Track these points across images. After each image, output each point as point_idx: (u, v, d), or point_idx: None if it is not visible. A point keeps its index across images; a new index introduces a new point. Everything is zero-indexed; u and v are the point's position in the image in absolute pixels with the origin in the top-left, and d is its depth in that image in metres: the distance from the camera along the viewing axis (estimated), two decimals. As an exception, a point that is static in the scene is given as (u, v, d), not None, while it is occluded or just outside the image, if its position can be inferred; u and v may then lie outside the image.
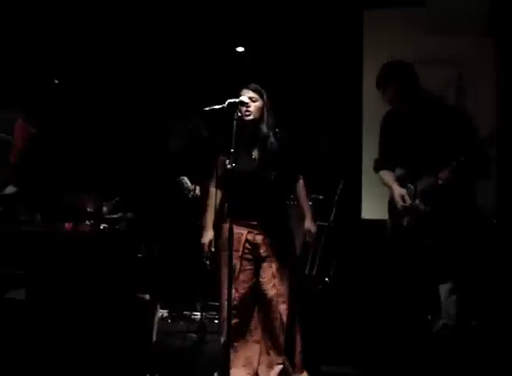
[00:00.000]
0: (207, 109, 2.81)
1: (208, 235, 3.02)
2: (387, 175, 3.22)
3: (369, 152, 5.09)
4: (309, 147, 4.79)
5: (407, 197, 3.02)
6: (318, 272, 4.23)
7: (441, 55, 4.96)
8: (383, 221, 4.93)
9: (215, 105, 2.78)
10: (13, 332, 2.97)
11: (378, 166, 3.32)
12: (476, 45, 4.80)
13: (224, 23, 5.16)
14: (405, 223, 3.05)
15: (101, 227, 3.53)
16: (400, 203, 3.05)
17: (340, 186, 4.43)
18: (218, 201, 3.00)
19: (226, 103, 2.74)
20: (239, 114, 2.76)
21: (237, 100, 2.75)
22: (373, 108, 5.13)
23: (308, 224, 3.06)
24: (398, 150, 3.14)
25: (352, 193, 4.85)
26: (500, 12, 4.64)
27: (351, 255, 4.68)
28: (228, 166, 2.68)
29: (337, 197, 4.41)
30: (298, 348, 2.91)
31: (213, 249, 2.99)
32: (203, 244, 3.02)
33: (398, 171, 3.18)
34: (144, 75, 5.52)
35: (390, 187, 3.17)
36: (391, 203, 3.17)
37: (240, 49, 5.52)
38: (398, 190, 3.08)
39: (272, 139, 2.95)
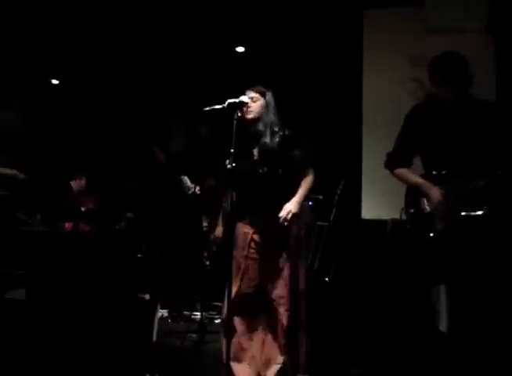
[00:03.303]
0: (207, 109, 2.81)
1: (220, 229, 3.22)
2: (408, 172, 2.92)
3: (369, 152, 5.11)
4: (309, 147, 4.79)
5: (446, 199, 2.71)
6: (318, 271, 4.23)
7: (441, 55, 4.97)
8: (383, 221, 4.95)
9: (215, 105, 2.78)
10: (13, 332, 2.97)
11: (393, 161, 3.00)
12: (476, 44, 4.80)
13: (224, 23, 5.16)
14: (439, 227, 2.73)
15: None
16: (440, 205, 2.73)
17: (340, 186, 4.42)
18: (229, 201, 3.01)
19: (226, 103, 2.75)
20: (239, 114, 2.76)
21: (237, 100, 2.75)
22: (373, 108, 5.14)
23: (289, 203, 2.87)
24: (425, 146, 2.86)
25: (352, 193, 4.85)
26: (500, 12, 4.64)
27: (351, 255, 4.67)
28: (228, 166, 2.69)
29: (337, 197, 4.40)
30: (302, 349, 2.92)
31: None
32: (215, 237, 3.22)
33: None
34: (144, 75, 5.52)
35: (417, 186, 2.84)
36: (416, 203, 2.84)
37: (240, 49, 5.52)
38: (436, 191, 2.75)
39: (267, 138, 2.93)
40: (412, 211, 2.86)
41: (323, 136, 5.13)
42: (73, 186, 5.18)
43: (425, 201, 2.81)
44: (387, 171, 4.92)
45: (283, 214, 2.81)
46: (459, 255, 2.68)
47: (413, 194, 2.88)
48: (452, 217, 2.71)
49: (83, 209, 4.75)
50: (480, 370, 2.68)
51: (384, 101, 5.09)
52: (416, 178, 2.87)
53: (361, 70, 5.13)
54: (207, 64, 5.32)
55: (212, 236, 3.19)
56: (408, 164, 2.95)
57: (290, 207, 2.82)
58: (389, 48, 5.10)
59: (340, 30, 5.08)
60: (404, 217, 2.91)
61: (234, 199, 2.85)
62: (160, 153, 4.79)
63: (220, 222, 3.30)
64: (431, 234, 2.75)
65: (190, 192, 4.66)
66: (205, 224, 4.70)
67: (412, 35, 5.00)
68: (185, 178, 4.74)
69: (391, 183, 4.98)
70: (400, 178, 2.97)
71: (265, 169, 2.90)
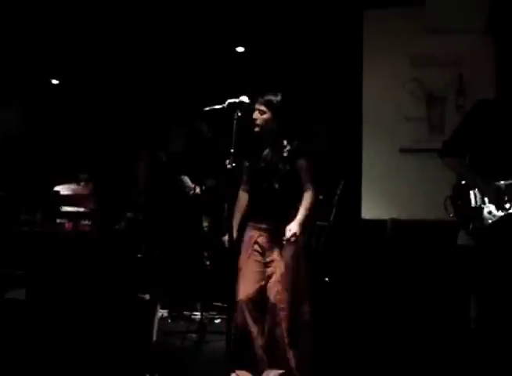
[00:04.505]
0: (207, 109, 2.82)
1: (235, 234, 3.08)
2: (461, 164, 2.94)
3: (369, 152, 5.11)
4: (309, 147, 4.79)
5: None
6: (318, 271, 4.23)
7: (441, 55, 4.97)
8: (383, 221, 4.96)
9: (215, 105, 2.79)
10: (13, 332, 2.97)
11: (448, 151, 2.99)
12: (476, 44, 4.80)
13: (224, 23, 5.16)
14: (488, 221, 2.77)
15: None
16: (494, 202, 2.75)
17: (340, 186, 4.43)
18: (242, 204, 3.12)
19: (226, 103, 2.76)
20: (239, 114, 2.77)
21: (237, 100, 2.75)
22: (373, 108, 5.14)
23: (291, 224, 2.91)
24: (481, 142, 2.86)
25: (352, 193, 4.86)
26: (500, 12, 4.64)
27: (351, 255, 4.68)
28: (228, 166, 2.70)
29: (337, 197, 4.41)
30: (306, 352, 2.92)
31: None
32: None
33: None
34: (144, 76, 5.52)
35: (471, 178, 2.85)
36: (464, 195, 2.86)
37: (240, 49, 5.52)
38: (492, 186, 2.77)
39: (269, 154, 2.98)
40: (459, 202, 2.88)
41: (323, 135, 5.14)
42: (78, 190, 5.12)
43: (474, 194, 2.83)
44: (387, 172, 4.94)
45: (287, 236, 2.85)
46: (504, 251, 2.71)
47: (462, 187, 2.90)
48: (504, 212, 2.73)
49: (82, 210, 4.72)
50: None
51: (384, 101, 5.09)
52: (471, 171, 2.89)
53: (361, 70, 5.13)
54: (207, 64, 5.32)
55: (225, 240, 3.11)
56: (462, 155, 2.96)
57: (294, 230, 2.86)
58: (389, 48, 5.10)
59: (340, 30, 5.07)
60: (449, 206, 2.92)
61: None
62: (161, 153, 4.80)
63: (235, 224, 3.13)
64: (478, 225, 2.77)
65: (191, 192, 4.66)
66: (205, 224, 4.71)
67: (412, 35, 5.00)
68: (186, 178, 4.75)
69: (390, 183, 5.02)
70: (452, 167, 2.99)
71: (265, 185, 2.97)
